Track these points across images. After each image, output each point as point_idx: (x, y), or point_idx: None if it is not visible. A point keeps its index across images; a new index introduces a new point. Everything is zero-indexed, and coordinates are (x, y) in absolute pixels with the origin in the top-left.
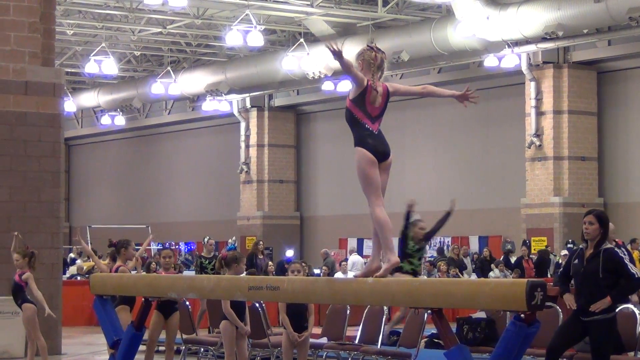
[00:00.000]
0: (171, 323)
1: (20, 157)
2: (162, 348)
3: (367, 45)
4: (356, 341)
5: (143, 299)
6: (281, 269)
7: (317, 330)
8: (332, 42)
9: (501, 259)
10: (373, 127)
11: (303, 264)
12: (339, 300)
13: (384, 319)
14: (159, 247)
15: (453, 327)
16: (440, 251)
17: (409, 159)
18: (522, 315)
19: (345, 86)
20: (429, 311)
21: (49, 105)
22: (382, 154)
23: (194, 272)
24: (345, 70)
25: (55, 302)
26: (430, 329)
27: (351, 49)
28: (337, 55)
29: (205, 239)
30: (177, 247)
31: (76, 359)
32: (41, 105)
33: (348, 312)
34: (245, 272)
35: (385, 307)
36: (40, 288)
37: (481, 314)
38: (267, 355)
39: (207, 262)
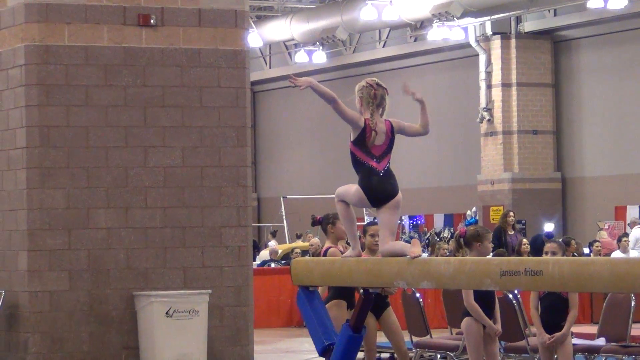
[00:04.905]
0: (389, 323)
1: (194, 108)
2: (384, 355)
3: (366, 82)
4: None
5: (362, 291)
6: (537, 249)
7: (592, 328)
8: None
9: None
10: (378, 167)
11: (573, 241)
12: (623, 288)
13: None
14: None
15: None
16: None
17: None
18: None
19: (619, 2)
20: None
21: (229, 40)
22: (384, 197)
23: (424, 255)
24: (337, 112)
25: (244, 297)
26: None
27: None
28: (329, 99)
29: None
30: (399, 221)
31: None
32: (219, 39)
33: (633, 304)
34: (491, 253)
35: None
36: (226, 278)
37: None
38: None
39: None
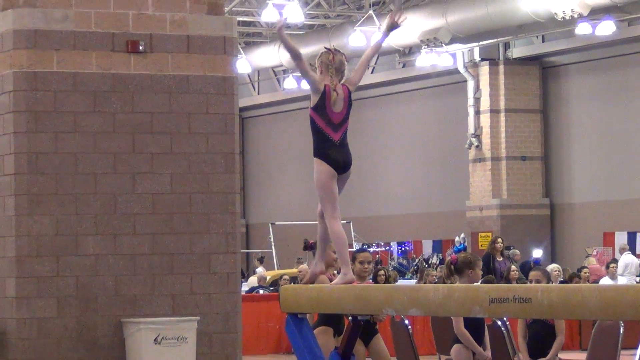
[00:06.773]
0: (377, 350)
1: (183, 135)
2: None
3: (325, 48)
4: None
5: (350, 318)
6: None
7: (581, 355)
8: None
9: None
10: (335, 136)
11: (556, 271)
12: (611, 315)
13: None
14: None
15: None
16: None
17: None
18: None
19: (607, 28)
20: None
21: (218, 66)
22: (342, 166)
23: (412, 281)
24: (300, 70)
25: (232, 324)
26: None
27: None
28: (294, 55)
29: None
30: (387, 248)
31: None
32: (208, 66)
33: (621, 330)
34: (480, 280)
35: None
36: (214, 305)
37: None
38: None
39: None
